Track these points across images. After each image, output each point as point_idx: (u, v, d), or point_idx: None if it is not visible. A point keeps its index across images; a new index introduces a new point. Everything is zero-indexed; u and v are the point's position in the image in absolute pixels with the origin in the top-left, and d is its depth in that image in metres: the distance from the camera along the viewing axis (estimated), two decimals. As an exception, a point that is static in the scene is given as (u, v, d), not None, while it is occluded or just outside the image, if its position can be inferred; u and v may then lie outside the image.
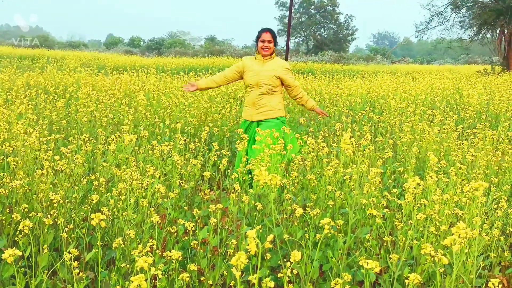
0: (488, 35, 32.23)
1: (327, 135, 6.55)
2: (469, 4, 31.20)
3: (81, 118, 6.48)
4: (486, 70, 28.44)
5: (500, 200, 3.57)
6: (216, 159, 4.60)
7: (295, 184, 4.03)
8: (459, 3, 31.56)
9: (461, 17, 32.28)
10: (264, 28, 5.48)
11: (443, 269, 2.83)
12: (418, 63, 59.96)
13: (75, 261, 2.48)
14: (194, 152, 4.90)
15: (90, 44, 73.66)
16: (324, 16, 60.63)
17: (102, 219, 2.24)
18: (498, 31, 30.31)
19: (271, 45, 5.37)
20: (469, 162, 5.01)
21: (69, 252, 2.44)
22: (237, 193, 3.48)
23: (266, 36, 5.35)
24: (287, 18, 35.59)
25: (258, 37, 5.43)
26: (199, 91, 6.30)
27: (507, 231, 3.78)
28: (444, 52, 42.12)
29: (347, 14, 61.92)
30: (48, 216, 3.15)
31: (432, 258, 2.49)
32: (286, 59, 29.89)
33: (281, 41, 62.76)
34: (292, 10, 33.92)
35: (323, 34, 60.99)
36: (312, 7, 60.74)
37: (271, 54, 5.42)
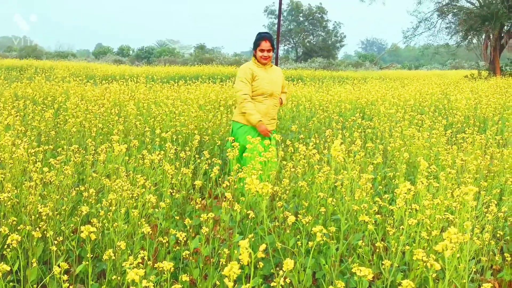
0: (474, 41, 32.49)
1: (318, 141, 6.56)
2: (455, 11, 31.47)
3: (70, 128, 6.43)
4: (473, 75, 28.67)
5: (490, 204, 3.59)
6: (207, 167, 4.58)
7: (287, 191, 4.02)
8: (445, 9, 31.84)
9: (447, 23, 32.56)
10: (262, 34, 5.15)
11: (435, 274, 2.83)
12: (406, 69, 60.36)
13: (65, 275, 2.45)
14: (185, 161, 4.88)
15: (78, 53, 73.43)
16: (313, 23, 60.90)
17: (92, 232, 2.22)
18: (483, 37, 30.57)
19: (271, 53, 5.10)
20: (458, 166, 5.03)
21: (58, 266, 2.41)
22: (228, 202, 3.46)
23: (265, 45, 5.06)
24: (276, 26, 35.73)
25: (256, 45, 5.11)
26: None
27: (498, 235, 3.80)
28: (431, 58, 42.36)
29: (335, 21, 62.31)
30: (37, 229, 3.11)
31: (425, 264, 2.49)
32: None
33: (270, 48, 62.87)
34: (281, 18, 34.05)
35: (312, 41, 61.20)
36: (301, 14, 61.00)
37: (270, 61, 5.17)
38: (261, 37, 5.10)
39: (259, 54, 5.09)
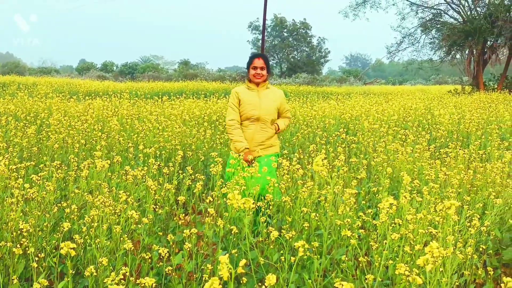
0: (458, 56, 32.95)
1: (301, 156, 6.58)
2: (438, 26, 31.99)
3: (52, 144, 6.37)
4: (457, 90, 29.09)
5: (473, 218, 3.61)
6: (190, 183, 4.56)
7: (270, 207, 4.02)
8: (429, 25, 32.35)
9: (431, 39, 33.07)
10: (256, 53, 5.19)
11: (418, 289, 2.84)
12: (390, 84, 61.18)
13: (46, 292, 2.41)
14: (168, 176, 4.86)
15: (62, 69, 73.13)
16: (297, 39, 61.45)
17: (72, 248, 2.19)
18: (467, 52, 31.01)
19: (264, 72, 5.03)
20: (441, 181, 5.07)
21: (38, 282, 2.37)
22: (212, 217, 3.45)
23: (258, 63, 5.02)
24: (261, 41, 35.95)
25: (249, 64, 5.07)
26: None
27: (481, 249, 3.82)
28: (415, 73, 42.93)
29: (319, 37, 62.95)
30: (18, 245, 3.07)
31: (407, 278, 2.50)
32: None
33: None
34: (265, 33, 34.30)
35: (296, 56, 61.70)
36: (285, 30, 61.55)
37: (265, 81, 5.10)
38: (254, 55, 5.10)
39: (251, 72, 5.03)
